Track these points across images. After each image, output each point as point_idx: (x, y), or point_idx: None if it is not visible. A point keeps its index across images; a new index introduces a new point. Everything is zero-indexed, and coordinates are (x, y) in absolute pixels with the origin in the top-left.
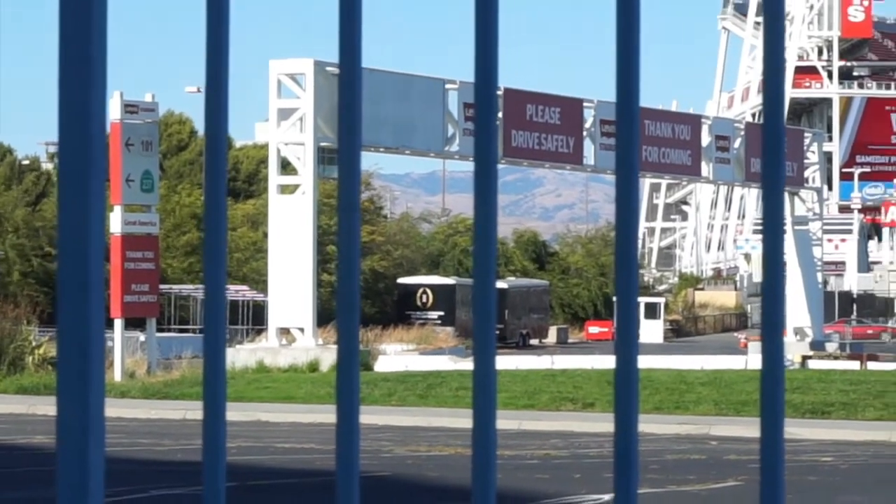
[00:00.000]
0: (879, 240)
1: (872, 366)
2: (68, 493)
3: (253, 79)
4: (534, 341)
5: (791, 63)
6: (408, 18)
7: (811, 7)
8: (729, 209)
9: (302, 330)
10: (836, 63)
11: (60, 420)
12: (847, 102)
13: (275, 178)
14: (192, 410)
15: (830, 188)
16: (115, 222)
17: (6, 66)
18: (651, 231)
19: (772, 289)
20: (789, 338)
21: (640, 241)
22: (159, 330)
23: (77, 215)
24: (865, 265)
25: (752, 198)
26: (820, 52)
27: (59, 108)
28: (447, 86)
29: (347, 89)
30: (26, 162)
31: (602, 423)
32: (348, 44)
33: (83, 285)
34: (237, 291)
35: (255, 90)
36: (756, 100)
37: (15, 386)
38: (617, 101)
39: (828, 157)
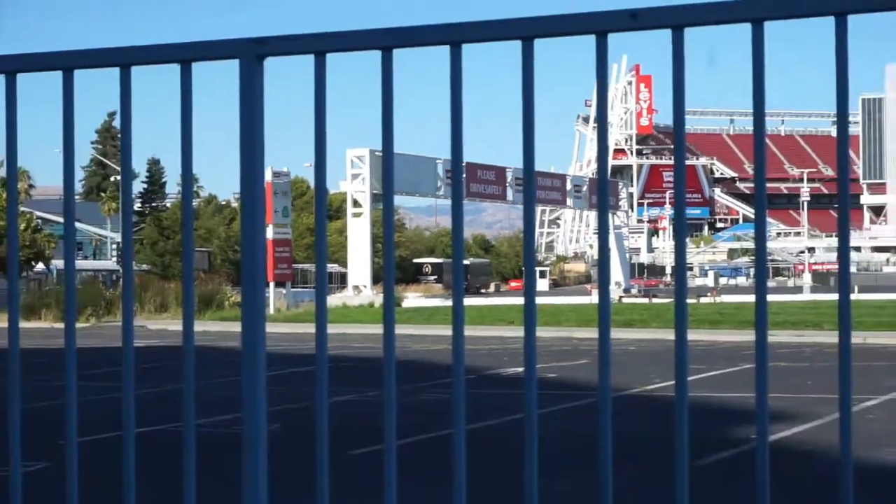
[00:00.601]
0: (658, 236)
1: (655, 301)
2: (248, 370)
3: (337, 158)
4: (483, 291)
5: (611, 147)
6: (407, 115)
7: (621, 118)
8: (581, 221)
9: (365, 286)
10: (634, 147)
11: (244, 334)
12: (640, 167)
13: (350, 209)
14: (311, 330)
15: (632, 210)
16: (269, 232)
17: (213, 151)
18: (542, 234)
19: (603, 261)
20: (612, 286)
21: (536, 238)
22: (292, 287)
23: (251, 229)
24: (650, 249)
25: (593, 216)
26: (626, 141)
27: (240, 175)
28: (437, 160)
29: (386, 165)
30: (223, 202)
31: (519, 332)
32: (386, 140)
33: (254, 265)
34: (330, 266)
35: (338, 163)
36: (594, 166)
37: (217, 317)
38: (524, 167)
39: (631, 195)
